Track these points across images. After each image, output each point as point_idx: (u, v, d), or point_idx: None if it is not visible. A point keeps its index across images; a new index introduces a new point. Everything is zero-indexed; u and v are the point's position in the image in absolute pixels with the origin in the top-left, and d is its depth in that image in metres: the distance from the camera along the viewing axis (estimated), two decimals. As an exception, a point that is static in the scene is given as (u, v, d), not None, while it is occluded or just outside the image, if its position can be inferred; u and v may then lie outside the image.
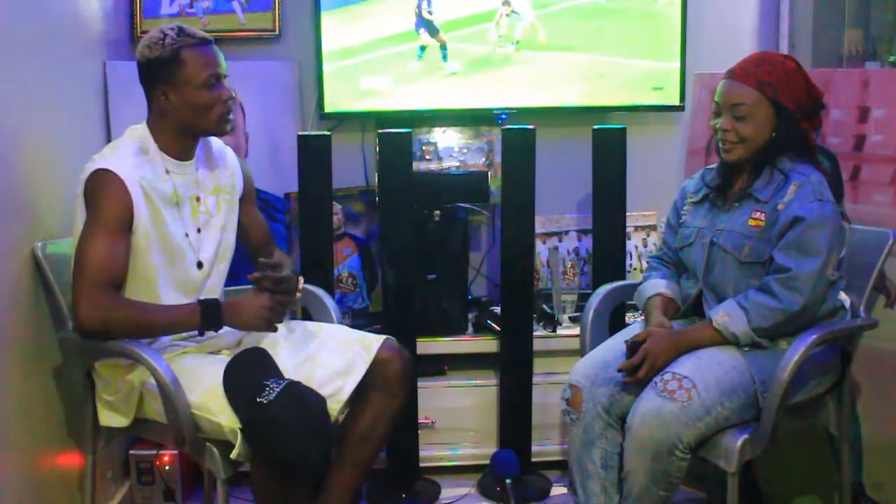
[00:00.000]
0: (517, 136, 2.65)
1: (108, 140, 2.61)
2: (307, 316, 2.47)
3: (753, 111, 2.05)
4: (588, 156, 2.79)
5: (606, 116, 3.09)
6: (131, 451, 2.62)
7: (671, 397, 1.93)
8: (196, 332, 1.99)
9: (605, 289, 2.47)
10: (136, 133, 2.04)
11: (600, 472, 2.10)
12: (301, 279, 2.12)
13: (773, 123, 2.06)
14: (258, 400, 1.80)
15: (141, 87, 2.03)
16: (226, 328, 2.02)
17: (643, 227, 3.16)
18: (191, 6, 2.99)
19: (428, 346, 2.77)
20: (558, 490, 2.74)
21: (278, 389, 1.81)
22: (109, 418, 2.06)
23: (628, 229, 3.00)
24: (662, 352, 2.04)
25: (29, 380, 2.08)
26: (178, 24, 2.02)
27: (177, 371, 1.91)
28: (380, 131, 2.63)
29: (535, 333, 2.77)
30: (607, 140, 2.76)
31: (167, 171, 2.02)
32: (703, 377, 1.95)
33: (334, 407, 2.02)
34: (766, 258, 2.05)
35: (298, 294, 2.09)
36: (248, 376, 1.87)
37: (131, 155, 1.99)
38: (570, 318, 2.96)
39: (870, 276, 2.20)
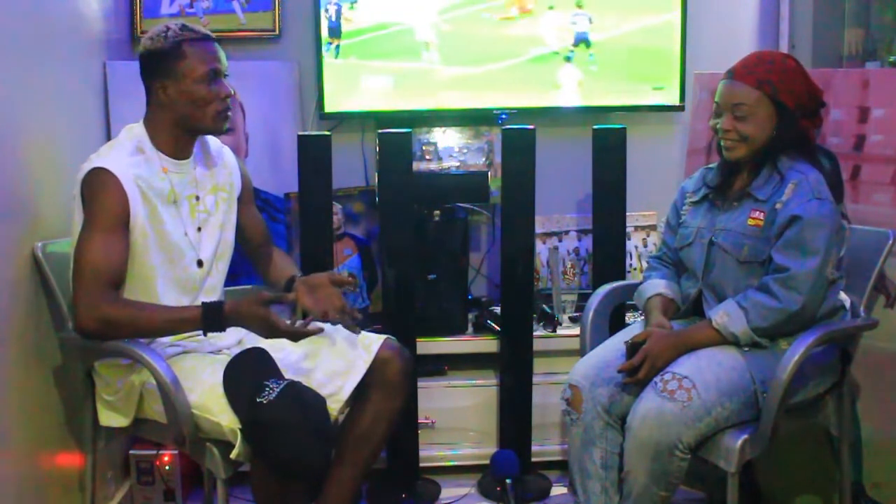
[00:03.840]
0: (517, 136, 2.65)
1: (108, 140, 2.61)
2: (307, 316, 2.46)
3: (754, 110, 2.05)
4: (588, 156, 2.79)
5: (606, 116, 3.09)
6: (131, 451, 2.62)
7: (671, 397, 1.93)
8: (195, 332, 1.99)
9: (605, 289, 2.47)
10: (133, 132, 2.04)
11: (600, 473, 2.10)
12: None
13: (773, 122, 2.06)
14: (258, 400, 1.80)
15: (141, 82, 2.04)
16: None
17: (643, 227, 3.16)
18: (191, 6, 2.99)
19: (428, 346, 2.77)
20: (558, 490, 2.74)
21: (278, 389, 1.81)
22: (109, 418, 2.06)
23: (628, 229, 3.00)
24: (662, 352, 2.04)
25: (29, 380, 2.08)
26: (183, 21, 2.03)
27: (177, 371, 1.91)
28: (380, 131, 2.63)
29: (535, 333, 2.77)
30: (607, 140, 2.76)
31: (164, 171, 2.02)
32: (703, 377, 1.95)
33: (334, 407, 2.02)
34: (766, 258, 2.05)
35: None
36: (248, 376, 1.87)
37: (127, 154, 1.99)
38: (570, 318, 2.96)
39: (870, 276, 2.20)
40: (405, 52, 3.00)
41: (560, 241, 3.14)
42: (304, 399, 1.85)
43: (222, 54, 2.04)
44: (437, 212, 2.86)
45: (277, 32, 3.05)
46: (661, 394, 1.94)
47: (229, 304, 1.94)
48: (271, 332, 1.93)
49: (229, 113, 2.06)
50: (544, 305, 2.95)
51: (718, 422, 1.95)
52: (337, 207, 2.92)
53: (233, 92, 2.05)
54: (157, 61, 1.98)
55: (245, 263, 2.38)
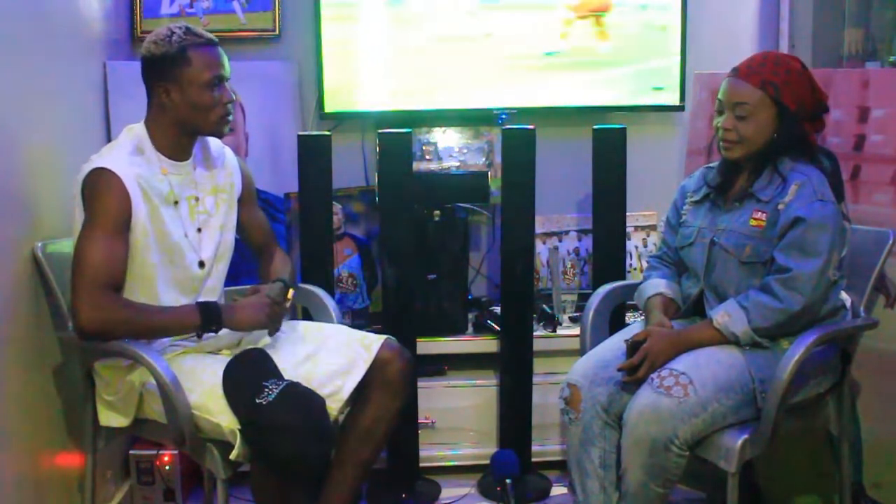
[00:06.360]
0: (517, 136, 2.65)
1: (108, 140, 2.61)
2: (307, 316, 2.47)
3: (755, 111, 2.05)
4: (588, 156, 2.79)
5: (606, 116, 3.09)
6: (131, 451, 2.62)
7: (667, 393, 1.93)
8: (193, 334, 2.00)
9: (605, 289, 2.47)
10: (133, 133, 2.04)
11: (599, 472, 2.10)
12: (291, 291, 2.18)
13: (774, 124, 2.06)
14: (257, 401, 1.80)
15: (143, 83, 2.04)
16: (225, 328, 2.03)
17: (643, 227, 3.16)
18: (191, 6, 2.99)
19: (428, 346, 2.77)
20: (558, 490, 2.74)
21: (277, 390, 1.81)
22: (109, 418, 2.06)
23: (628, 229, 3.00)
24: (662, 351, 2.03)
25: (29, 380, 2.08)
26: (186, 23, 2.03)
27: (177, 371, 1.91)
28: (380, 131, 2.63)
29: (535, 333, 2.77)
30: (607, 140, 2.76)
31: (164, 171, 2.02)
32: (701, 373, 1.95)
33: (334, 406, 2.02)
34: (768, 258, 2.05)
35: (288, 301, 2.15)
36: (248, 377, 1.87)
37: (127, 153, 1.99)
38: (570, 318, 2.96)
39: (870, 276, 2.20)
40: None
41: (560, 241, 3.14)
42: (303, 400, 1.85)
43: (225, 59, 2.04)
44: (437, 212, 2.86)
45: (277, 32, 3.05)
46: (657, 389, 1.94)
47: (224, 304, 1.99)
48: (271, 306, 1.99)
49: (230, 118, 2.06)
50: (544, 305, 2.95)
51: (715, 418, 1.95)
52: (337, 207, 2.92)
53: (235, 97, 2.05)
54: (161, 65, 1.98)
55: (245, 263, 2.39)
